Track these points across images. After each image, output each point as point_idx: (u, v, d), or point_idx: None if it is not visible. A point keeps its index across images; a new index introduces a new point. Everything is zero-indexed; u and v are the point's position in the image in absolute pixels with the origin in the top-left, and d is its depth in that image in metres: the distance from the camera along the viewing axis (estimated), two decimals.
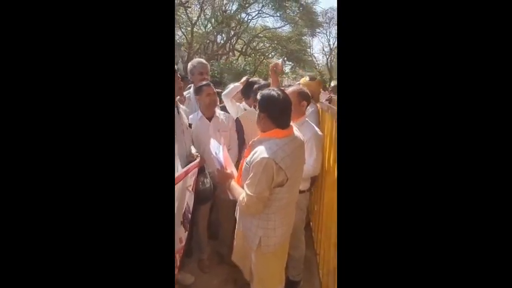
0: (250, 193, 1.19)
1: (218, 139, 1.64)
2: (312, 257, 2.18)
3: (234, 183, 1.33)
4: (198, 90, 2.07)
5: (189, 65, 2.53)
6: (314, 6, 16.66)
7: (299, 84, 2.47)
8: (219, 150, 1.45)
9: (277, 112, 1.24)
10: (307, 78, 2.70)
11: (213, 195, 1.92)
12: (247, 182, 1.21)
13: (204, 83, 2.09)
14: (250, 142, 1.33)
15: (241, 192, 1.26)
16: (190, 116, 2.09)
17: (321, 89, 2.95)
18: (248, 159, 1.25)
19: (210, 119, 2.06)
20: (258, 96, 1.27)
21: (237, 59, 17.49)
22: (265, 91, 1.27)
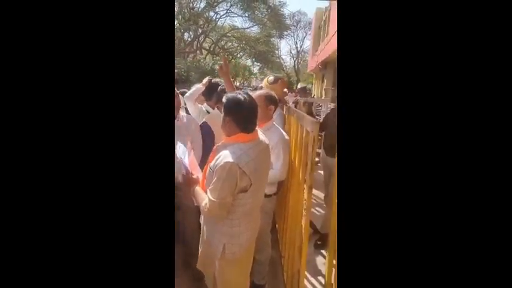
0: (212, 198, 1.16)
1: (183, 142, 1.59)
2: (277, 259, 2.20)
3: (198, 189, 1.29)
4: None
5: None
6: (282, 9, 16.95)
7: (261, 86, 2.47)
8: (184, 155, 1.39)
9: (242, 116, 1.22)
10: (270, 78, 2.68)
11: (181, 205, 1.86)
12: (210, 187, 1.18)
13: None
14: (215, 147, 1.30)
15: (204, 198, 1.22)
16: None
17: (286, 90, 2.95)
18: (212, 163, 1.21)
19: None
20: (224, 100, 1.24)
21: (205, 57, 17.24)
22: (231, 94, 1.25)
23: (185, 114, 2.12)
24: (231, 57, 19.13)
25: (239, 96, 1.22)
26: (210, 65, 16.83)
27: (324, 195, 2.88)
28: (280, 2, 16.30)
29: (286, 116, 2.37)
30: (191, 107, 2.28)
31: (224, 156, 1.16)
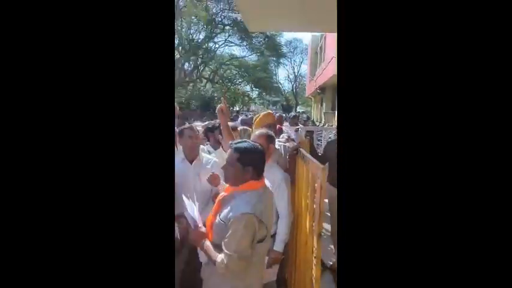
0: (230, 252, 1.11)
1: (196, 184, 1.58)
2: None
3: (209, 244, 1.24)
4: (180, 133, 2.03)
5: None
6: (278, 38, 17.56)
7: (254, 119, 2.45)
8: (192, 208, 1.35)
9: (255, 164, 1.20)
10: (261, 115, 2.53)
11: (182, 248, 1.80)
12: (225, 240, 1.13)
13: (187, 125, 2.06)
14: (218, 197, 1.27)
15: (216, 254, 1.16)
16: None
17: (274, 120, 2.85)
18: (223, 216, 1.17)
19: (191, 161, 2.00)
20: (233, 151, 1.23)
21: (205, 85, 17.63)
22: (241, 144, 1.24)
23: (207, 155, 2.11)
24: (230, 84, 19.57)
25: (248, 145, 1.21)
26: (210, 92, 17.18)
27: (330, 226, 2.81)
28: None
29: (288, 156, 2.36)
30: None
31: (238, 206, 1.12)
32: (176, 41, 14.92)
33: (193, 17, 14.67)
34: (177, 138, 2.09)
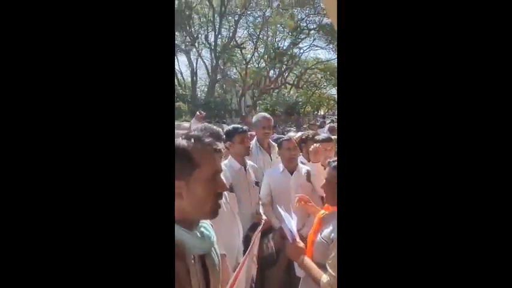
0: (336, 275, 1.08)
1: (296, 193, 1.61)
2: None
3: (308, 260, 1.22)
4: (279, 145, 2.13)
5: (254, 118, 2.65)
6: None
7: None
8: (289, 222, 1.37)
9: None
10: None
11: (277, 261, 1.84)
12: (329, 261, 1.10)
13: (285, 137, 2.15)
14: (319, 215, 1.26)
15: (319, 272, 1.15)
16: (269, 170, 2.15)
17: None
18: (324, 234, 1.16)
19: (292, 173, 2.06)
20: (332, 169, 1.20)
21: (289, 91, 17.82)
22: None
23: (304, 165, 2.13)
24: (315, 88, 19.27)
25: None
26: (294, 97, 17.26)
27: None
28: None
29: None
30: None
31: None
32: (262, 50, 15.56)
33: (278, 25, 15.05)
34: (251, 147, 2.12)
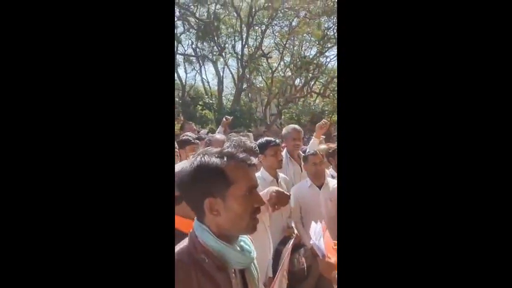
0: None
1: (327, 208, 1.57)
2: None
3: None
4: (304, 160, 2.13)
5: (284, 130, 2.70)
6: None
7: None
8: (319, 237, 1.33)
9: None
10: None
11: (307, 277, 1.79)
12: None
13: (311, 152, 2.15)
14: None
15: None
16: (297, 186, 2.14)
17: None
18: None
19: (320, 187, 2.04)
20: None
21: (315, 100, 17.63)
22: None
23: (332, 179, 2.10)
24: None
25: None
26: (320, 106, 17.04)
27: None
28: None
29: None
30: None
31: None
32: (288, 59, 15.59)
33: (304, 34, 15.04)
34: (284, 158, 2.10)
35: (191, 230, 0.86)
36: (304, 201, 2.04)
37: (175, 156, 2.01)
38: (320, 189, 2.02)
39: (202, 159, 0.83)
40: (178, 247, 0.84)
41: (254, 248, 0.91)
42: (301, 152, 2.54)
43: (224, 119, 3.34)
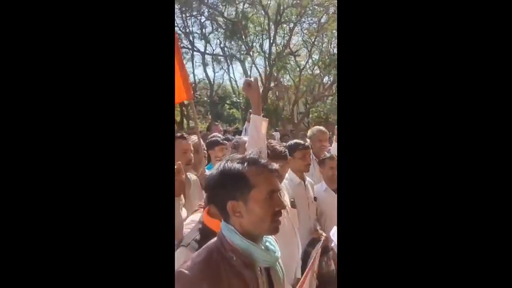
0: None
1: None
2: None
3: None
4: (320, 163, 2.12)
5: (309, 132, 2.72)
6: None
7: None
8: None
9: None
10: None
11: (336, 280, 1.77)
12: None
13: (328, 155, 2.12)
14: None
15: None
16: (315, 187, 2.13)
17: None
18: None
19: (335, 191, 2.02)
20: None
21: None
22: None
23: None
24: None
25: None
26: None
27: None
28: None
29: None
30: None
31: None
32: (316, 57, 15.32)
33: (334, 31, 14.69)
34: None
35: (219, 229, 0.91)
36: (321, 204, 2.03)
37: (203, 157, 2.06)
38: (335, 194, 1.98)
39: (226, 164, 0.89)
40: (209, 245, 0.89)
41: (283, 249, 0.94)
42: (326, 153, 2.52)
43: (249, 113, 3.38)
